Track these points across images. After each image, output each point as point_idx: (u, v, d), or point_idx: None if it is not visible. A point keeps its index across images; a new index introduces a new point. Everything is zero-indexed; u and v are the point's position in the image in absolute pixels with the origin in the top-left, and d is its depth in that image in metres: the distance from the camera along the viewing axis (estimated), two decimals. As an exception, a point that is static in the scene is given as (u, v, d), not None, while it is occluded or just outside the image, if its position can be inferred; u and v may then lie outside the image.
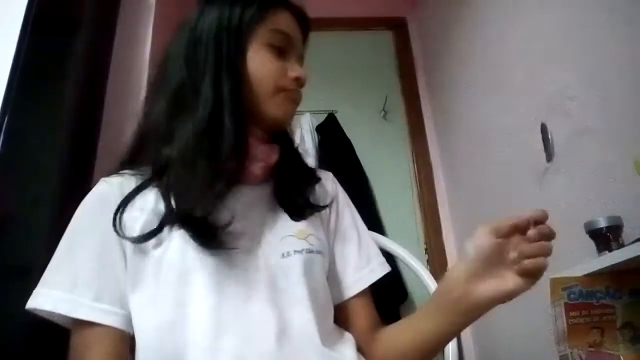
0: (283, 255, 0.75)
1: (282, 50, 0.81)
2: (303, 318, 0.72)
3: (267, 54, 0.79)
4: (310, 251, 0.77)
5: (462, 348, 2.10)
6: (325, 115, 2.55)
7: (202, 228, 0.70)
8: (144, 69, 1.72)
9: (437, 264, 2.29)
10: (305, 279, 0.74)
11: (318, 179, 0.89)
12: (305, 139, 2.40)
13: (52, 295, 0.70)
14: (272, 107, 0.79)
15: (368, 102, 2.62)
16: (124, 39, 1.68)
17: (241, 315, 0.69)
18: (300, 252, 0.75)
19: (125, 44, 1.69)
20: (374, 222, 2.27)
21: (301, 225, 0.79)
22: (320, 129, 2.51)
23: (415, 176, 2.52)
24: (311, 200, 0.84)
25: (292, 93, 0.81)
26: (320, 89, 2.49)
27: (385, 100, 2.62)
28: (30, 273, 1.16)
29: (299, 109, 0.85)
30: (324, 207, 0.85)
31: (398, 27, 2.81)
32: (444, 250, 2.34)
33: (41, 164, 1.24)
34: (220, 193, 0.72)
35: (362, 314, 0.84)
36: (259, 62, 0.78)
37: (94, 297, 0.70)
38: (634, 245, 0.90)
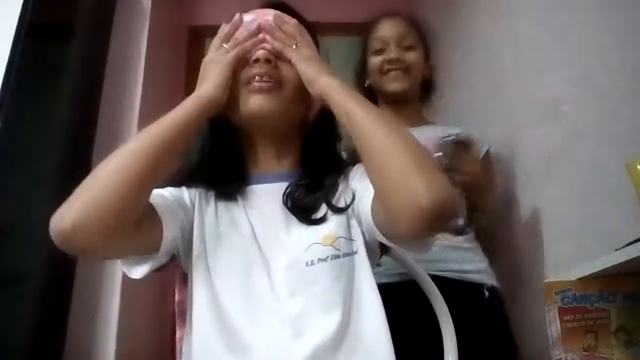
0: (307, 264, 0.75)
1: None
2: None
3: None
4: (337, 256, 0.76)
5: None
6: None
7: None
8: (139, 73, 1.72)
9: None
10: (330, 285, 0.74)
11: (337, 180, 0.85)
12: None
13: None
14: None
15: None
16: (118, 44, 1.68)
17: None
18: (324, 259, 0.75)
19: (120, 49, 1.69)
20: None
21: (326, 228, 0.78)
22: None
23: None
24: (333, 202, 0.81)
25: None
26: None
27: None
28: (24, 281, 1.17)
29: None
30: (343, 209, 0.80)
31: (393, 32, 2.81)
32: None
33: (35, 173, 1.24)
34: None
35: None
36: None
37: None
38: (627, 249, 0.90)
